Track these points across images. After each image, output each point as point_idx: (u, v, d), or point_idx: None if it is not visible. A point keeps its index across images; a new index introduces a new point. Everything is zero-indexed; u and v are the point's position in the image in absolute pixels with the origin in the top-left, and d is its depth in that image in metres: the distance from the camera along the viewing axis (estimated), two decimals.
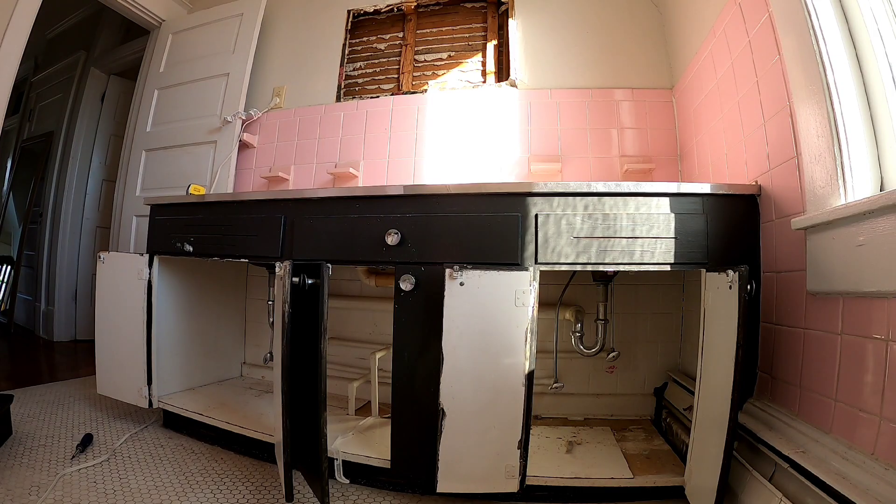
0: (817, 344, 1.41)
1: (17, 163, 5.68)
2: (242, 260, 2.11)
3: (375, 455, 1.85)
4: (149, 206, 2.50)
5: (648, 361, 2.41)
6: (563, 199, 1.73)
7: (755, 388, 1.70)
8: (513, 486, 1.63)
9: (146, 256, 2.33)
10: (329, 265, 1.66)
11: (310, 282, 1.71)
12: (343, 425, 2.17)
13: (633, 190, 1.70)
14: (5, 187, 5.77)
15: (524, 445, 1.63)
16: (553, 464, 1.84)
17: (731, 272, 1.42)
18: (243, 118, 3.32)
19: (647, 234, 1.67)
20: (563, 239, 1.69)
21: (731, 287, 1.42)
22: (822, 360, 1.38)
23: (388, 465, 1.81)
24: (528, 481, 1.67)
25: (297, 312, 1.66)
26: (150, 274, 2.32)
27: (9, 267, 5.38)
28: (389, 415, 1.82)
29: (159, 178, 3.55)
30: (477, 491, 1.67)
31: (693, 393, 1.71)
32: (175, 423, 2.38)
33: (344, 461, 1.88)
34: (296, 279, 1.67)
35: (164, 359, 2.41)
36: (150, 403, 2.33)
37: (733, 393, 1.39)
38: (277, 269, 1.63)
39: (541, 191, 1.74)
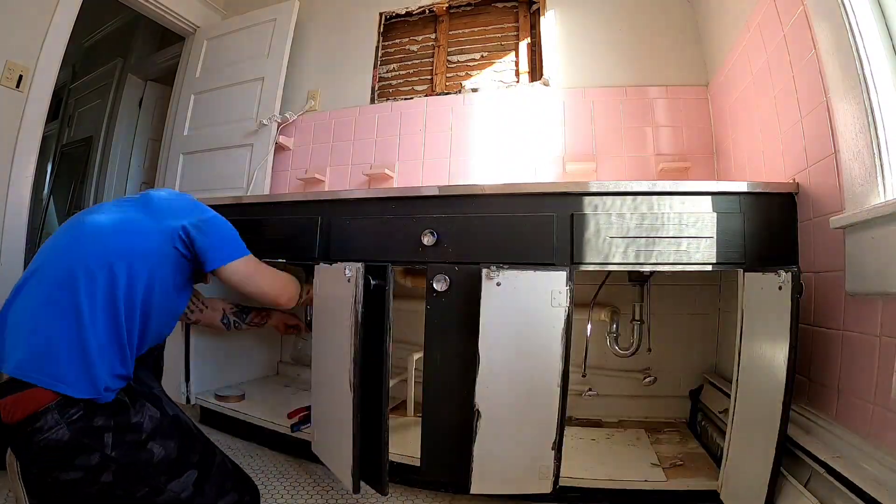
0: (855, 346, 1.38)
1: (57, 167, 5.82)
2: (280, 260, 2.14)
3: (408, 453, 1.86)
4: None
5: (684, 363, 2.37)
6: (598, 198, 1.72)
7: (792, 392, 1.67)
8: (546, 487, 1.63)
9: None
10: (391, 267, 1.70)
11: (374, 283, 1.73)
12: None
13: (669, 189, 1.69)
14: (46, 190, 5.92)
15: (558, 446, 1.62)
16: (586, 465, 1.83)
17: (782, 273, 1.38)
18: (279, 121, 3.37)
19: (684, 234, 1.65)
20: (599, 239, 1.68)
21: (781, 288, 1.38)
22: (860, 363, 1.35)
23: (418, 463, 1.81)
24: (562, 482, 1.66)
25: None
26: None
27: None
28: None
29: (197, 180, 3.61)
30: (511, 492, 1.68)
31: (729, 395, 1.69)
32: (212, 419, 2.43)
33: None
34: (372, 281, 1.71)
35: (202, 356, 2.45)
36: (188, 400, 2.38)
37: (785, 396, 1.36)
38: (348, 272, 1.66)
39: (576, 191, 1.74)
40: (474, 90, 3.15)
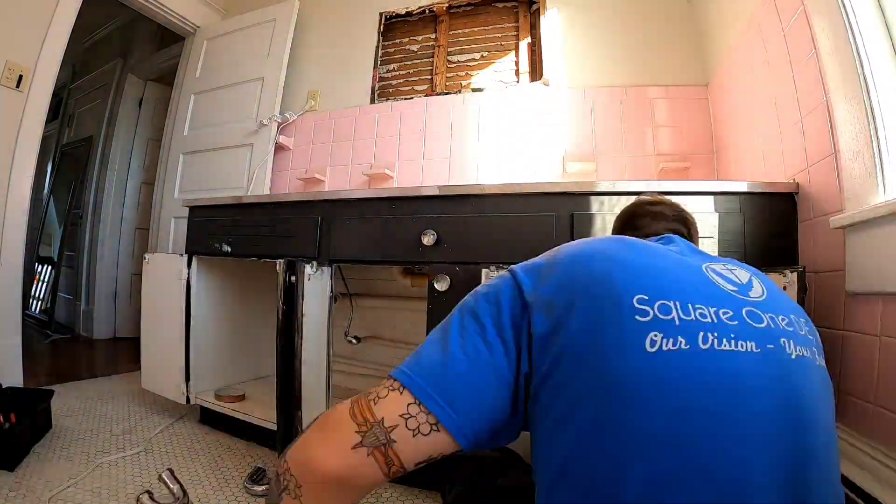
0: (855, 346, 1.37)
1: (57, 167, 5.82)
2: (279, 260, 2.14)
3: None
4: (187, 209, 2.55)
5: None
6: (599, 198, 1.72)
7: None
8: None
9: (185, 257, 2.38)
10: (305, 263, 1.68)
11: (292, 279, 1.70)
12: None
13: (669, 189, 1.68)
14: (46, 190, 5.92)
15: None
16: None
17: (788, 273, 1.38)
18: (279, 121, 3.37)
19: None
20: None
21: (785, 288, 1.38)
22: (860, 363, 1.35)
23: None
24: None
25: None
26: (188, 274, 2.37)
27: (50, 267, 5.51)
28: None
29: (197, 180, 3.62)
30: None
31: None
32: (212, 419, 2.43)
33: None
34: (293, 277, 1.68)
35: (202, 356, 2.45)
36: (188, 399, 2.37)
37: None
38: (277, 266, 1.65)
39: (576, 190, 1.74)
40: (474, 90, 3.15)
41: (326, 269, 1.97)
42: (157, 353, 2.49)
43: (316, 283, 1.85)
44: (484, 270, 1.64)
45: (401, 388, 0.72)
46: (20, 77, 2.74)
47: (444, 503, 1.36)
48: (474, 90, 3.15)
